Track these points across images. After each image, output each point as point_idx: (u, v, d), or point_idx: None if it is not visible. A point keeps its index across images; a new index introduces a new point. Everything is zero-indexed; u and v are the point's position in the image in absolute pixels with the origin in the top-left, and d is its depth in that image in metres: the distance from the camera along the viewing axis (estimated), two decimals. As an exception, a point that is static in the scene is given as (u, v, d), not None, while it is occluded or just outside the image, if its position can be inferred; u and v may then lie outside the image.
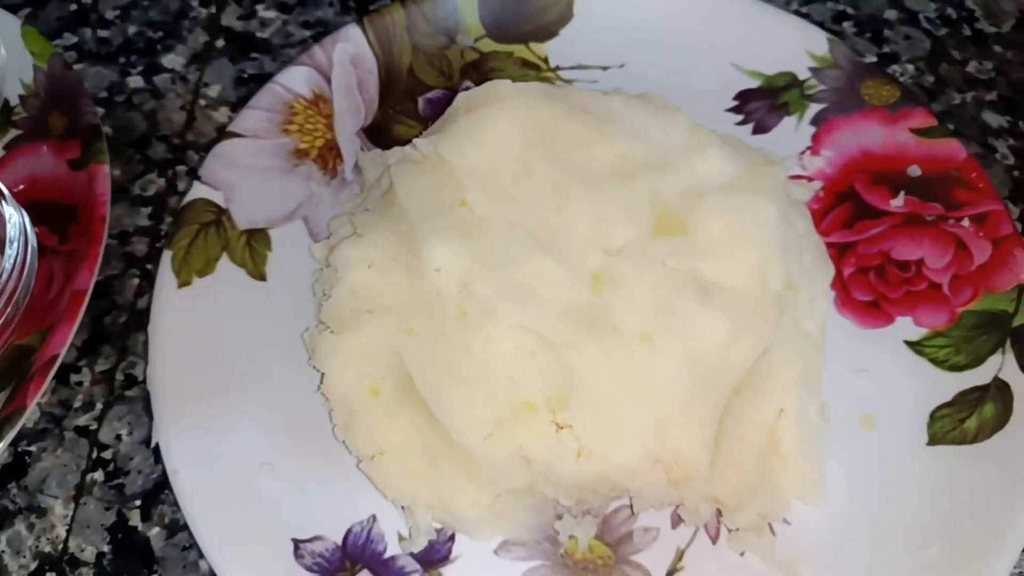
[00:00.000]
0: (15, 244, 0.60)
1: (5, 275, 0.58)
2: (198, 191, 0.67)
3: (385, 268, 0.58)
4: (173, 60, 0.81)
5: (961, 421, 0.59)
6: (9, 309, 0.59)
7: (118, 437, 0.62)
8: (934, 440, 0.59)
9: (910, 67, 0.80)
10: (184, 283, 0.63)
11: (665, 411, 0.52)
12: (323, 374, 0.57)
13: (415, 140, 0.63)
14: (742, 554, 0.55)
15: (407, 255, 0.58)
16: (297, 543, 0.54)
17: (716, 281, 0.55)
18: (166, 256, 0.63)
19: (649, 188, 0.59)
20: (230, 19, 0.84)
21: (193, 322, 0.61)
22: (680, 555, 0.56)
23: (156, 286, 0.62)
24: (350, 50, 0.75)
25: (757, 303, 0.55)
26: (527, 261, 0.55)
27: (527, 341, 0.53)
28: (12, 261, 0.59)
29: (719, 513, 0.56)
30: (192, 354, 0.60)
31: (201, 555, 0.55)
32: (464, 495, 0.53)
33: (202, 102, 0.79)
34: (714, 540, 0.56)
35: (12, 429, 0.55)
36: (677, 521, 0.56)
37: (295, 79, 0.73)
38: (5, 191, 0.62)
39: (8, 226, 0.60)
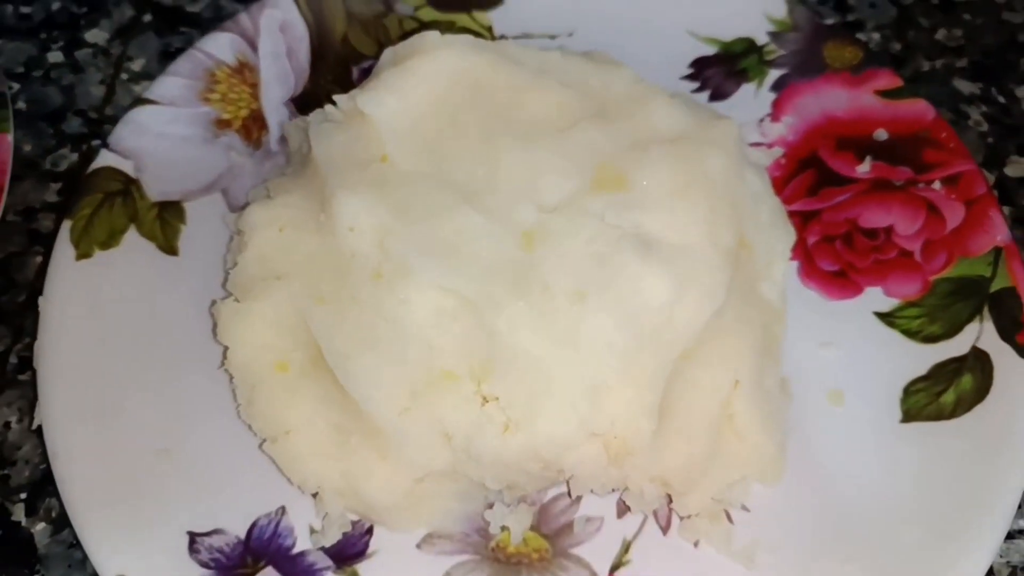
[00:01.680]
0: None
1: None
2: (105, 159, 0.62)
3: (296, 230, 0.53)
4: (96, 35, 0.77)
5: (937, 395, 0.53)
6: None
7: (6, 424, 0.55)
8: (909, 416, 0.53)
9: (876, 35, 0.76)
10: (84, 255, 0.57)
11: (600, 376, 0.46)
12: (226, 348, 0.51)
13: (336, 97, 0.58)
14: (696, 544, 0.50)
15: (319, 215, 0.52)
16: (194, 536, 0.48)
17: (659, 236, 0.49)
18: (65, 226, 0.58)
19: (587, 141, 0.54)
20: (160, -7, 0.79)
21: (91, 296, 0.56)
22: (627, 547, 0.50)
23: (52, 257, 0.57)
24: (279, 16, 0.70)
25: (705, 260, 0.49)
26: (450, 216, 0.50)
27: (447, 303, 0.48)
28: None
29: (670, 500, 0.50)
30: (88, 330, 0.54)
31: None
32: (378, 478, 0.47)
33: (124, 76, 0.74)
34: (665, 530, 0.50)
35: None
36: (623, 510, 0.50)
37: (218, 46, 0.68)
38: None
39: None
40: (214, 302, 0.55)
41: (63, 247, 0.57)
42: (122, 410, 0.51)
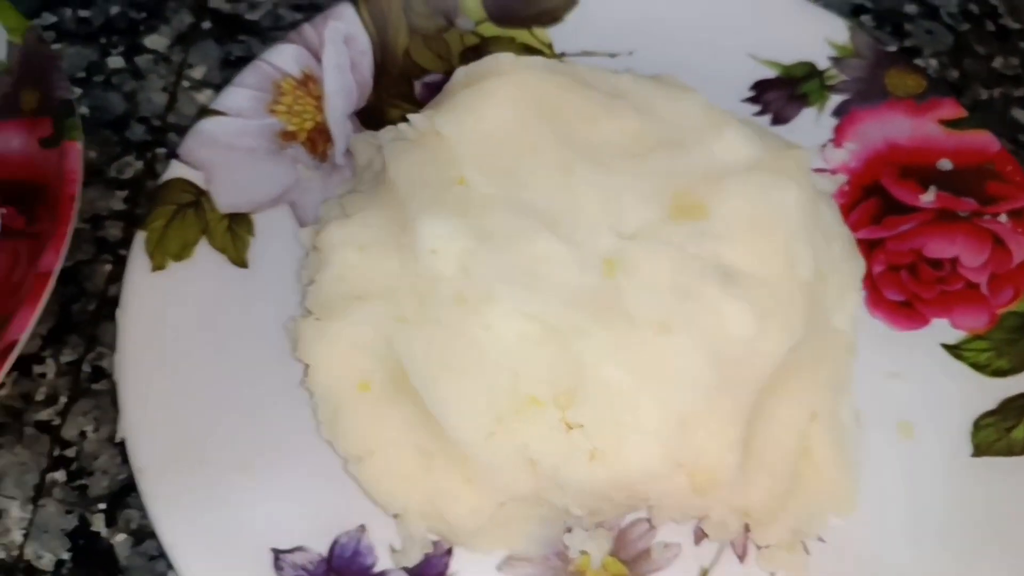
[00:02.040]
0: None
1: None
2: (176, 170, 0.62)
3: (376, 251, 0.53)
4: (156, 41, 0.77)
5: (1008, 431, 0.54)
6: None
7: (82, 434, 0.56)
8: (980, 451, 0.54)
9: (933, 61, 0.76)
10: (158, 267, 0.58)
11: (687, 408, 0.46)
12: (307, 366, 0.52)
13: (410, 116, 0.58)
14: (773, 574, 0.50)
15: (400, 236, 0.53)
16: (277, 553, 0.49)
17: (739, 268, 0.50)
18: (139, 237, 0.58)
19: (663, 168, 0.54)
20: (217, 1, 0.79)
21: (167, 308, 0.56)
22: (704, 574, 0.50)
23: (128, 268, 0.57)
24: (342, 29, 0.70)
25: (785, 293, 0.50)
26: (531, 242, 0.51)
27: (531, 329, 0.48)
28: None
29: (746, 528, 0.50)
30: (165, 342, 0.54)
31: (171, 566, 0.49)
32: (462, 502, 0.48)
33: (185, 83, 0.74)
34: (741, 558, 0.50)
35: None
36: (700, 536, 0.51)
37: (283, 58, 0.68)
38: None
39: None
40: (292, 319, 0.55)
41: (138, 259, 0.57)
42: (202, 424, 0.52)
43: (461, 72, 0.60)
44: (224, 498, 0.49)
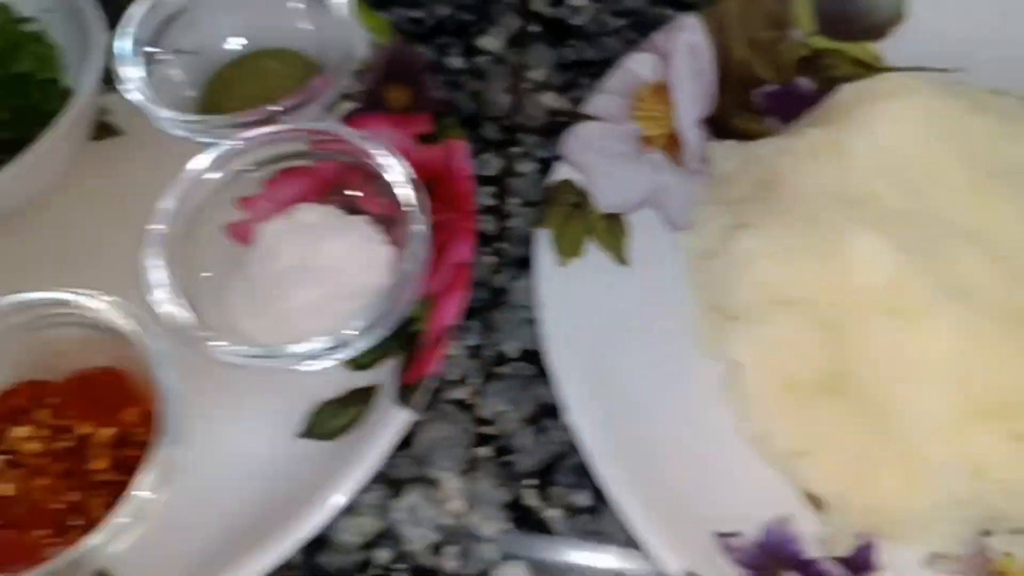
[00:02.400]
0: (421, 214, 0.60)
1: (419, 241, 0.59)
2: (562, 171, 0.66)
3: (791, 259, 0.57)
4: (489, 43, 0.81)
5: None
6: (421, 273, 0.60)
7: (499, 414, 0.61)
8: None
9: None
10: (560, 264, 0.62)
11: None
12: (732, 366, 0.56)
13: (803, 130, 0.62)
14: None
15: (814, 246, 0.56)
16: (722, 536, 0.53)
17: None
18: (543, 235, 0.63)
19: (1074, 193, 0.56)
20: (539, 5, 0.84)
21: (576, 303, 0.61)
22: (1106, 581, 0.53)
23: (536, 265, 0.62)
24: (689, 39, 0.74)
25: None
26: (958, 257, 0.54)
27: (971, 342, 0.51)
28: (423, 228, 0.59)
29: None
30: (583, 335, 0.59)
31: (604, 542, 0.54)
32: (901, 500, 0.51)
33: (525, 85, 0.78)
34: None
35: (423, 394, 0.56)
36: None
37: (641, 65, 0.72)
38: (398, 159, 0.63)
39: (416, 195, 0.60)
40: (701, 319, 0.60)
41: (545, 255, 0.62)
42: (636, 413, 0.56)
43: (849, 90, 0.63)
44: (666, 482, 0.54)
